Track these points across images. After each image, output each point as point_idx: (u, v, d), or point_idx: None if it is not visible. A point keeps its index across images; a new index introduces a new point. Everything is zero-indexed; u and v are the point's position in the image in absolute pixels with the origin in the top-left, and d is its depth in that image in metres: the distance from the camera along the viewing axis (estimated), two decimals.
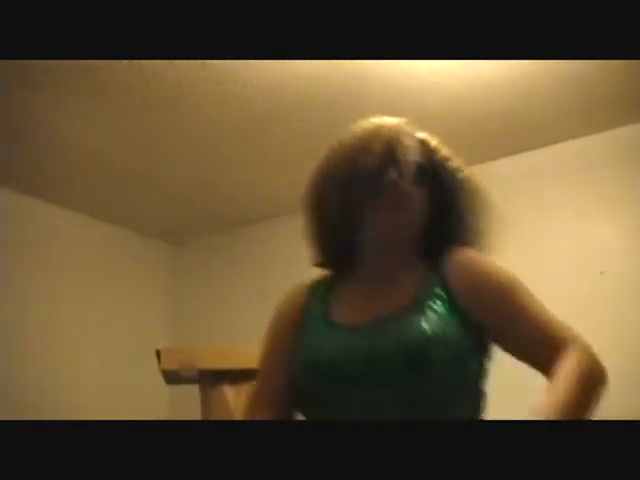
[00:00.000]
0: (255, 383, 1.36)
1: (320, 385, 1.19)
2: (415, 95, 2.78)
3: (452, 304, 1.19)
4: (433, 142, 1.32)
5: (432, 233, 1.29)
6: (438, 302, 1.19)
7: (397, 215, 1.25)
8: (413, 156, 1.26)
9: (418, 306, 1.18)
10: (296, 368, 1.23)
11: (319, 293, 1.33)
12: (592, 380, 1.09)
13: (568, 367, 1.08)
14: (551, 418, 1.01)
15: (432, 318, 1.16)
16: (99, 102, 2.82)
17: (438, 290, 1.21)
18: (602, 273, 2.94)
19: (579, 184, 3.11)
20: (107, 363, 3.59)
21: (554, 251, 3.08)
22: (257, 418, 1.28)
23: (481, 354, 1.21)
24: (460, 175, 1.32)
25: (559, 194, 3.15)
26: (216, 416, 2.75)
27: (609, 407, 2.80)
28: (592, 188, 3.09)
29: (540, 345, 1.14)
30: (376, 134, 1.27)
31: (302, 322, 1.30)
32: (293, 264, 3.57)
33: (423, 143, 1.30)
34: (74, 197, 3.58)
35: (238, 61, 2.56)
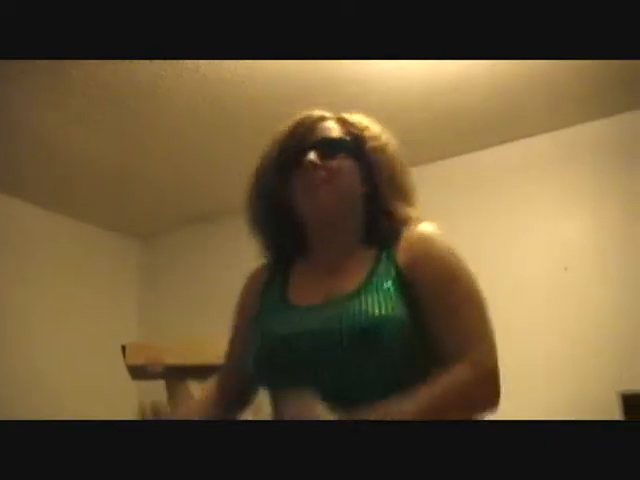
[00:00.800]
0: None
1: (275, 361, 1.21)
2: (393, 91, 2.80)
3: (400, 281, 1.21)
4: (353, 118, 1.35)
5: (373, 210, 1.31)
6: (389, 281, 1.21)
7: (323, 191, 1.27)
8: (332, 133, 1.31)
9: (369, 286, 1.20)
10: (254, 347, 1.26)
11: (276, 275, 1.36)
12: (460, 398, 1.13)
13: (442, 379, 1.12)
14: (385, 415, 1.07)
15: (381, 298, 1.18)
16: (70, 101, 2.81)
17: (388, 269, 1.23)
18: (566, 269, 2.98)
19: (542, 181, 3.14)
20: (75, 358, 3.56)
21: (519, 247, 3.12)
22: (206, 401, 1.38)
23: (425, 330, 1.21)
24: (382, 148, 1.33)
25: (525, 191, 3.18)
26: (182, 411, 2.76)
27: (574, 399, 2.84)
28: (555, 186, 3.13)
29: (446, 347, 1.17)
30: (296, 122, 1.33)
31: (259, 306, 1.33)
32: (261, 259, 3.59)
33: (343, 121, 1.34)
34: (44, 194, 3.55)
35: (217, 61, 2.58)
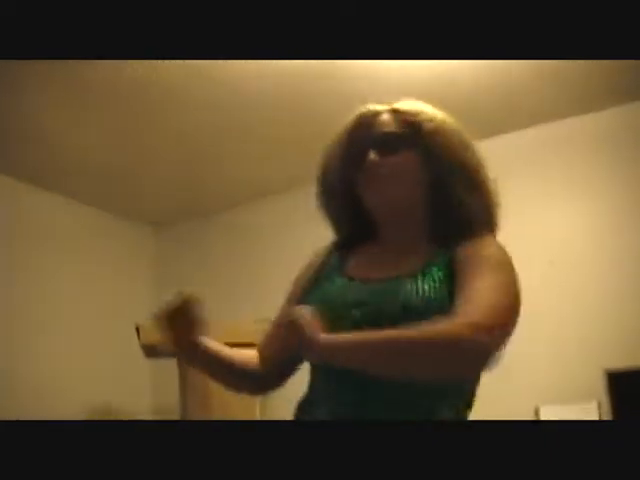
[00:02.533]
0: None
1: (329, 327, 1.20)
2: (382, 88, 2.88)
3: (448, 273, 1.24)
4: (407, 107, 1.37)
5: (439, 201, 1.32)
6: (440, 273, 1.24)
7: (388, 188, 1.32)
8: (387, 128, 1.34)
9: (424, 273, 1.24)
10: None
11: (339, 255, 1.40)
12: (436, 347, 1.11)
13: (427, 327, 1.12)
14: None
15: (432, 285, 1.22)
16: (87, 103, 2.95)
17: (444, 265, 1.26)
18: (551, 262, 3.06)
19: (526, 176, 3.20)
20: (91, 339, 3.67)
21: (506, 240, 3.22)
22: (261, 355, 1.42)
23: None
24: (443, 129, 1.35)
25: (510, 184, 3.27)
26: (192, 388, 2.90)
27: (562, 393, 2.92)
28: (540, 180, 3.20)
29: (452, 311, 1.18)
30: (354, 120, 1.38)
31: (320, 276, 1.37)
32: (271, 246, 3.72)
33: (396, 112, 1.37)
34: (65, 184, 3.66)
35: (220, 62, 2.67)
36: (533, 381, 2.94)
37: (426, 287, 1.22)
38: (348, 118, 1.39)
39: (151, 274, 4.16)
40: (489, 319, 1.13)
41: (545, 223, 3.15)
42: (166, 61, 2.66)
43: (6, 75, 2.65)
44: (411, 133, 1.34)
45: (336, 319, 1.21)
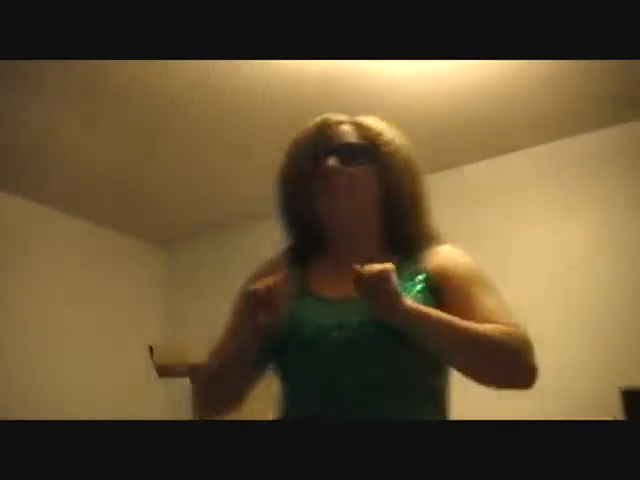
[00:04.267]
0: (220, 338, 1.40)
1: (305, 349, 1.22)
2: (394, 97, 2.90)
3: (429, 286, 1.25)
4: (368, 122, 1.37)
5: (390, 217, 1.34)
6: (417, 286, 1.24)
7: (344, 196, 1.29)
8: (349, 138, 1.33)
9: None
10: (282, 330, 1.24)
11: (294, 268, 1.36)
12: (499, 345, 1.15)
13: (485, 326, 1.16)
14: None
15: (410, 298, 1.20)
16: (92, 109, 2.93)
17: (414, 275, 1.26)
18: (566, 270, 3.09)
19: (543, 188, 3.25)
20: (104, 358, 3.70)
21: (518, 253, 3.23)
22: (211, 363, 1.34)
23: None
24: (399, 151, 1.35)
25: (525, 197, 3.29)
26: None
27: (577, 411, 2.91)
28: (555, 192, 3.23)
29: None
30: (314, 126, 1.36)
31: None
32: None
33: (358, 125, 1.36)
34: (75, 204, 3.71)
35: (230, 67, 2.68)
36: (547, 399, 2.92)
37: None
38: (307, 124, 1.38)
39: (160, 292, 4.19)
40: (525, 336, 1.21)
41: (563, 238, 3.17)
42: (181, 77, 2.69)
43: (10, 80, 2.66)
44: (370, 148, 1.33)
45: (315, 340, 1.21)
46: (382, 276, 1.12)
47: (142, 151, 3.29)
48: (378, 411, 1.18)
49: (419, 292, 1.23)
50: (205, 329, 3.84)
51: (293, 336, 1.24)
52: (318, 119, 1.37)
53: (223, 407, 1.36)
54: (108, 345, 3.75)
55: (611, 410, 2.76)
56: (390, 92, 2.87)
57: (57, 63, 2.54)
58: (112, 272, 3.96)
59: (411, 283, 1.24)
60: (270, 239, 4.11)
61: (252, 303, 1.21)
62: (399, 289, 1.13)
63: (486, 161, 3.41)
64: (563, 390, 2.92)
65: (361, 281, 1.13)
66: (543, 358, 3.21)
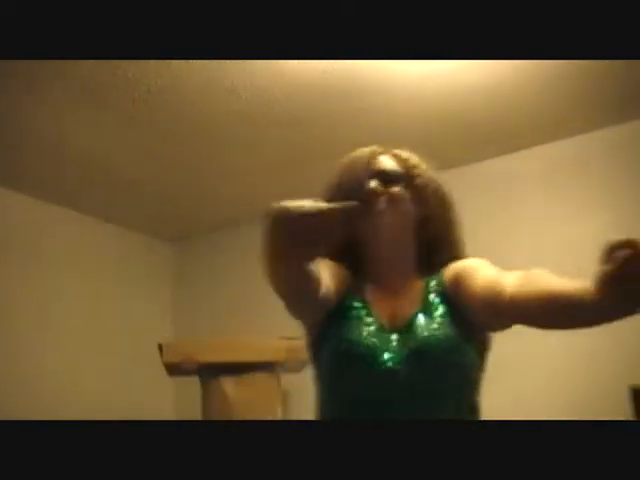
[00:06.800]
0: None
1: (356, 367, 1.30)
2: (400, 99, 2.91)
3: (448, 305, 1.34)
4: (405, 155, 1.49)
5: (423, 242, 1.44)
6: (440, 307, 1.34)
7: (387, 215, 1.38)
8: (390, 165, 1.44)
9: (425, 311, 1.34)
10: (335, 347, 1.33)
11: (352, 290, 1.43)
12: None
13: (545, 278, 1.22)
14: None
15: (437, 322, 1.31)
16: (98, 108, 2.94)
17: (438, 295, 1.36)
18: (580, 270, 3.08)
19: (556, 186, 3.24)
20: (113, 358, 3.70)
21: (533, 249, 3.22)
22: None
23: (476, 347, 1.33)
24: (433, 182, 1.47)
25: (538, 196, 3.28)
26: (215, 406, 2.92)
27: (587, 409, 2.89)
28: (569, 190, 3.22)
29: (491, 286, 1.26)
30: (354, 156, 1.46)
31: (343, 302, 1.38)
32: None
33: (395, 156, 1.48)
34: (83, 201, 3.71)
35: (235, 67, 2.68)
36: (556, 396, 2.92)
37: (435, 326, 1.31)
38: (345, 158, 1.48)
39: (169, 290, 4.19)
40: None
41: (574, 230, 3.16)
42: (187, 77, 2.70)
43: (17, 80, 2.67)
44: (407, 175, 1.45)
45: (368, 363, 1.28)
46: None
47: (152, 148, 3.29)
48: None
49: (443, 315, 1.32)
50: (215, 326, 3.89)
51: (339, 354, 1.32)
52: (358, 151, 1.47)
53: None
54: (117, 342, 3.76)
55: (621, 408, 2.76)
56: (393, 91, 2.86)
57: (68, 63, 2.55)
58: (122, 269, 3.97)
59: (436, 304, 1.34)
60: None
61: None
62: None
63: (489, 161, 3.41)
64: (573, 388, 2.92)
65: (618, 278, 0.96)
66: (553, 357, 3.22)
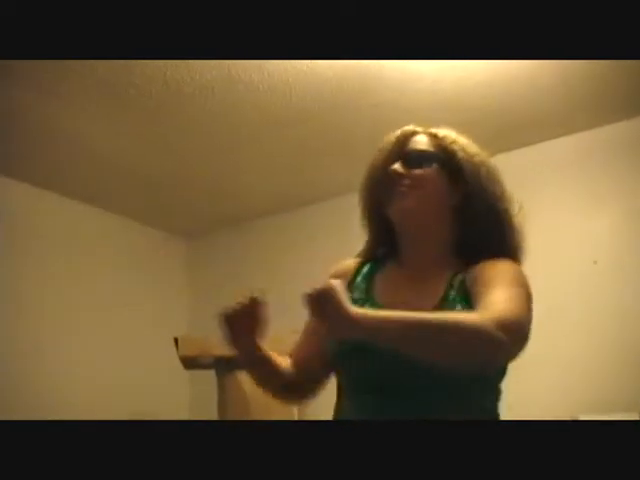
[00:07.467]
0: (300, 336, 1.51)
1: (353, 355, 1.28)
2: (413, 95, 2.91)
3: (468, 305, 1.28)
4: (442, 133, 1.44)
5: (463, 224, 1.38)
6: (458, 307, 1.29)
7: (407, 197, 1.36)
8: (419, 146, 1.41)
9: (444, 306, 1.29)
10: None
11: (366, 270, 1.44)
12: (464, 332, 1.13)
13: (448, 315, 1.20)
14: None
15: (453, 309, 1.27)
16: (116, 104, 2.96)
17: (461, 292, 1.31)
18: (595, 263, 3.07)
19: (572, 179, 3.22)
20: (129, 351, 3.72)
21: (549, 243, 3.20)
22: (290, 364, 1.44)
23: None
24: (475, 159, 1.42)
25: (553, 189, 3.27)
26: (231, 400, 2.94)
27: (602, 403, 2.89)
28: (584, 183, 3.20)
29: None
30: (392, 136, 1.45)
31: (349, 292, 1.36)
32: (303, 256, 3.76)
33: (432, 135, 1.44)
34: (97, 196, 3.74)
35: (251, 63, 2.69)
36: (572, 390, 2.91)
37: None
38: (387, 136, 1.46)
39: (184, 284, 4.21)
40: (509, 324, 1.16)
41: (589, 224, 3.15)
42: (204, 72, 2.72)
43: (36, 78, 2.70)
44: (444, 156, 1.40)
45: (369, 349, 1.22)
46: (324, 296, 1.12)
47: (164, 144, 3.31)
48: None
49: (456, 308, 1.28)
50: None
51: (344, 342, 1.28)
52: (397, 131, 1.45)
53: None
54: (133, 336, 3.78)
55: (635, 406, 2.74)
56: (398, 90, 2.87)
57: (79, 62, 2.57)
58: (138, 264, 3.99)
59: (457, 301, 1.30)
60: (292, 232, 4.18)
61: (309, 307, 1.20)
62: (345, 305, 1.11)
63: (501, 155, 3.39)
64: (588, 385, 2.90)
65: (307, 304, 1.14)
66: (568, 351, 3.20)
